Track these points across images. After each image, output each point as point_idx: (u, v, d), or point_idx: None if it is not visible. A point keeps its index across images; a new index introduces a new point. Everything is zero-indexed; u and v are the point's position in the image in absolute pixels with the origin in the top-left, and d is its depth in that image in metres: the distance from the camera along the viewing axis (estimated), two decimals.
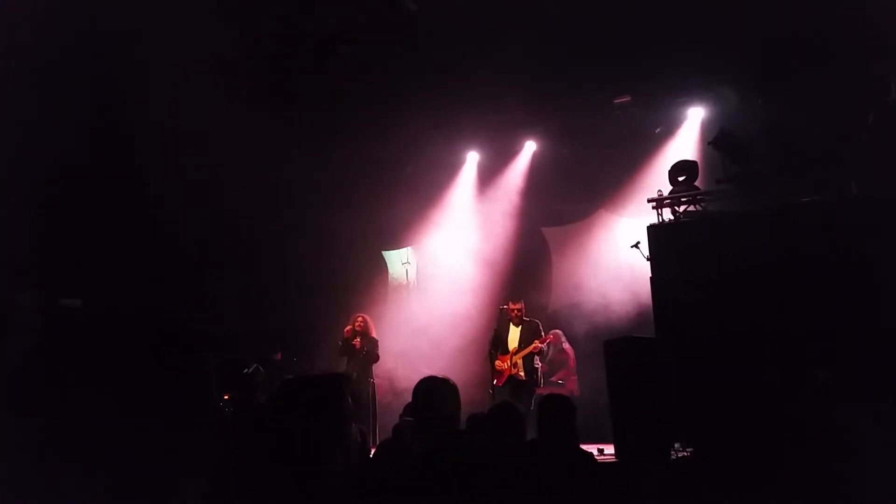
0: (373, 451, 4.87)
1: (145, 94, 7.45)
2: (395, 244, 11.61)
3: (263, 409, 1.96)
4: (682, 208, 7.13)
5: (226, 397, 9.13)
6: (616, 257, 9.36)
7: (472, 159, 11.08)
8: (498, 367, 8.09)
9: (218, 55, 7.82)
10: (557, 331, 9.08)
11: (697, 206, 7.08)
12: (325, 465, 1.79)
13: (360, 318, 8.80)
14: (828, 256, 5.83)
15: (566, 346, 9.14)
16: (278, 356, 9.91)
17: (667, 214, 7.23)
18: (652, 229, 6.94)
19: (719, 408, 5.79)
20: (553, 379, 8.83)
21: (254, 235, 9.78)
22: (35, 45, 6.87)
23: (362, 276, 11.18)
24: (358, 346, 8.56)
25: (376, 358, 8.72)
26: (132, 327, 7.72)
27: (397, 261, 11.69)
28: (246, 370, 9.61)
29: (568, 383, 8.86)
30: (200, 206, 8.50)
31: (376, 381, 8.75)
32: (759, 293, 5.95)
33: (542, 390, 7.88)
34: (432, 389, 3.03)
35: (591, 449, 7.06)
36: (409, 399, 7.06)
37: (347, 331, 8.70)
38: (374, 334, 8.82)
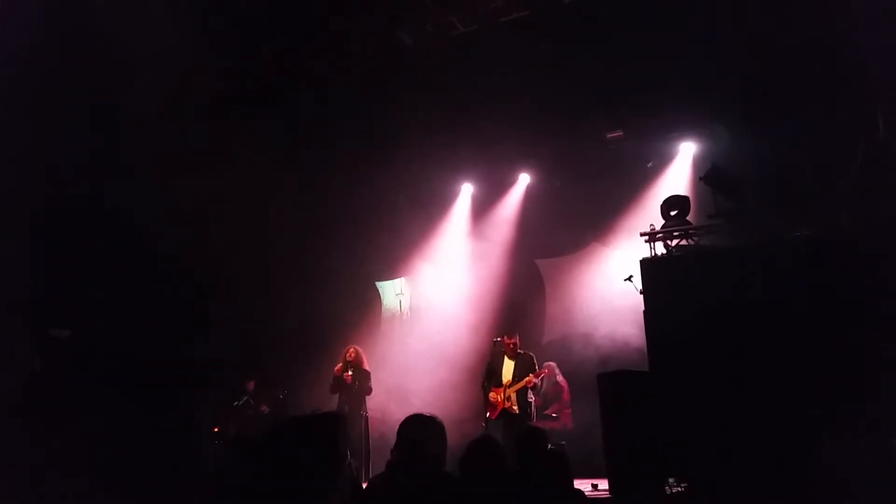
0: (365, 486, 4.80)
1: (141, 127, 7.51)
2: (389, 275, 11.59)
3: (257, 447, 1.96)
4: (674, 242, 7.17)
5: (215, 430, 9.01)
6: (610, 290, 9.36)
7: (466, 191, 11.14)
8: (491, 400, 8.02)
9: (214, 89, 7.92)
10: (552, 363, 9.00)
11: (689, 241, 7.12)
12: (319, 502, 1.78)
13: (351, 350, 8.65)
14: (819, 290, 5.86)
15: (560, 378, 9.07)
16: (251, 385, 9.73)
17: (659, 248, 7.26)
18: (645, 263, 6.98)
19: (714, 442, 5.76)
20: (547, 412, 8.75)
21: (246, 266, 9.75)
22: (32, 72, 6.95)
23: (356, 307, 11.12)
24: (349, 381, 8.43)
25: (369, 391, 8.56)
26: (121, 359, 7.69)
27: (391, 292, 11.65)
28: (236, 403, 9.52)
29: (562, 417, 8.78)
30: (192, 237, 8.50)
31: (369, 414, 8.60)
32: (752, 327, 5.97)
33: (536, 424, 7.81)
34: (418, 429, 2.99)
35: (585, 484, 7.01)
36: None
37: (337, 369, 8.53)
38: (366, 366, 8.66)
